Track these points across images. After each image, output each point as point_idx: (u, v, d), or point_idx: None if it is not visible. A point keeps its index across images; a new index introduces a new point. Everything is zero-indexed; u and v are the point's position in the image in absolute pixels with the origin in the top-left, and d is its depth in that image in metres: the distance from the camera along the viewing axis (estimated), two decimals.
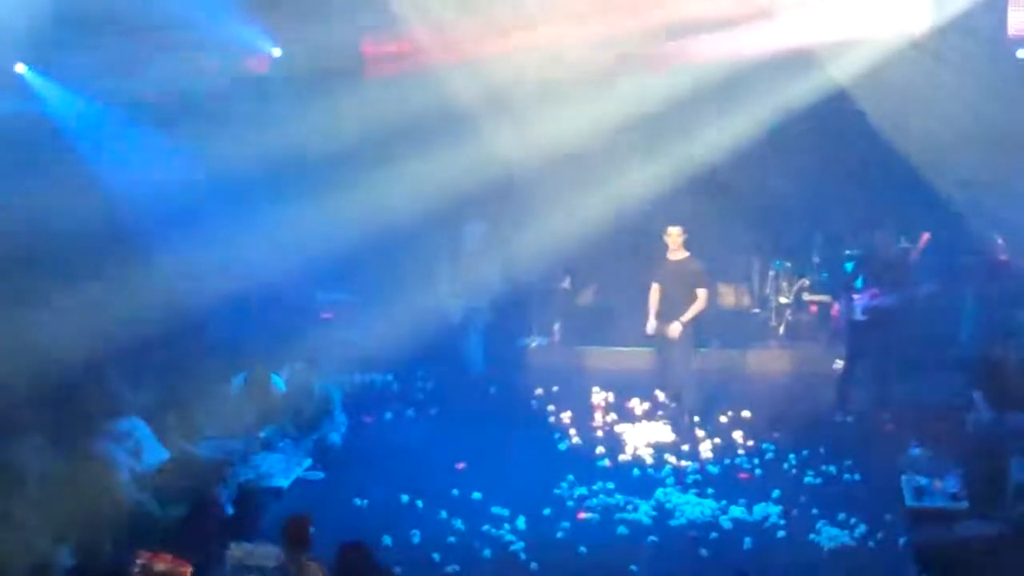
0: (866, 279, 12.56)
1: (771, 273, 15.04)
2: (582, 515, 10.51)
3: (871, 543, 10.01)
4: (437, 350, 13.96)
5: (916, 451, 10.94)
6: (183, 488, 9.89)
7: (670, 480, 11.19)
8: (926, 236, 13.73)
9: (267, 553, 8.78)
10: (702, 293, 12.26)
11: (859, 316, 12.51)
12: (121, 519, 9.36)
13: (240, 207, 13.39)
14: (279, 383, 12.11)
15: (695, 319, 12.29)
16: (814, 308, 14.80)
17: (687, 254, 12.30)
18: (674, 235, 12.24)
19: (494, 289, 13.95)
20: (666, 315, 12.30)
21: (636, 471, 11.42)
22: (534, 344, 14.89)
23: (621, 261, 14.31)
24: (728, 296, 14.87)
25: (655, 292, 12.41)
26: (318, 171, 13.66)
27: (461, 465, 11.49)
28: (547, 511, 10.52)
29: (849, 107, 13.73)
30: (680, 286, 12.24)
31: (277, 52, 14.00)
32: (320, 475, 11.31)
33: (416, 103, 13.53)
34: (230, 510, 10.04)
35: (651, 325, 12.38)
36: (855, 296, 12.54)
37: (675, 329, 12.22)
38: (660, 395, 12.96)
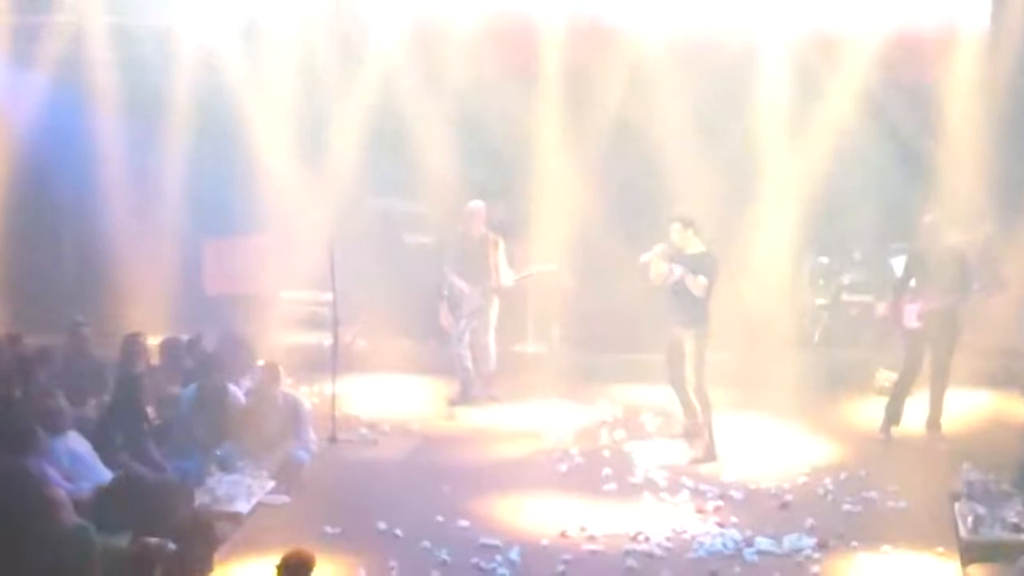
0: (919, 279, 12.60)
1: (805, 270, 15.11)
2: (585, 546, 10.51)
3: None
4: (423, 355, 14.04)
5: (972, 475, 10.97)
6: (128, 514, 9.89)
7: (687, 506, 11.21)
8: (986, 229, 13.80)
9: None
10: (702, 283, 12.02)
11: (913, 322, 12.55)
12: (56, 548, 9.36)
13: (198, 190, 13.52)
14: (238, 395, 12.12)
15: (707, 322, 12.20)
16: (855, 310, 14.88)
17: (702, 248, 12.22)
18: (676, 231, 12.17)
19: (493, 286, 14.04)
20: (679, 317, 12.24)
21: (648, 496, 11.45)
22: (530, 349, 14.93)
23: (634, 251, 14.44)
24: (755, 297, 14.91)
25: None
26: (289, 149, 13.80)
27: (447, 488, 11.50)
28: (545, 541, 10.50)
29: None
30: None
31: None
32: (285, 499, 11.33)
33: None
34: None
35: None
36: (908, 299, 12.58)
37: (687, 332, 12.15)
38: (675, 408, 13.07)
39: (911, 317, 12.54)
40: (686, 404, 12.55)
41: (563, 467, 12.13)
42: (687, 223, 12.17)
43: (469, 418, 13.58)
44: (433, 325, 14.16)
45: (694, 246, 12.18)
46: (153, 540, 9.35)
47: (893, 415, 12.77)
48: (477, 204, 13.94)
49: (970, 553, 10.11)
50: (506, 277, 13.98)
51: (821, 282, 15.00)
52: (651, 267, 12.18)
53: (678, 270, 12.08)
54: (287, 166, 15.22)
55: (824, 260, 15.08)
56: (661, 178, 14.77)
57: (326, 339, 13.66)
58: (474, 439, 12.93)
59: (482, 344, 13.95)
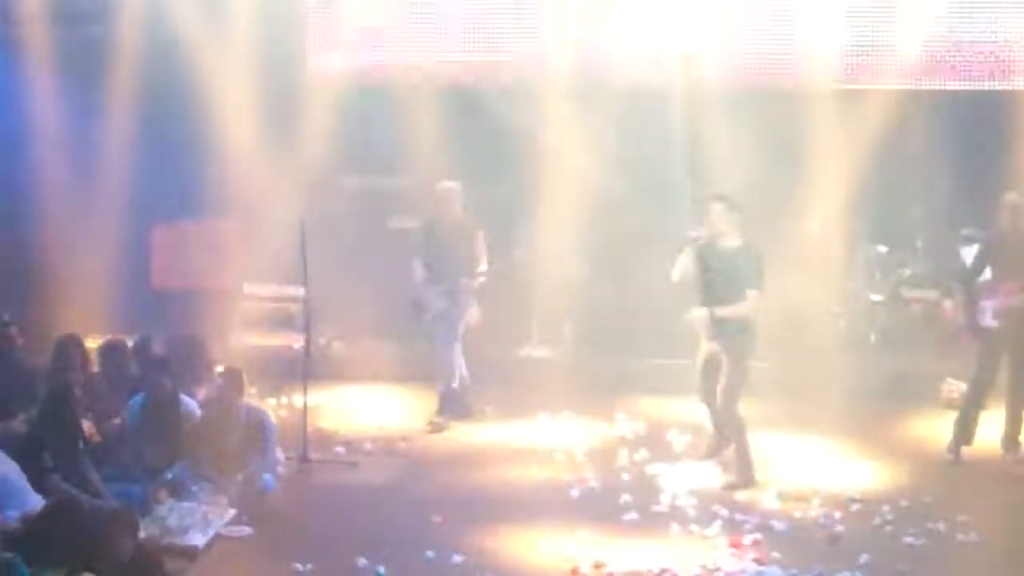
0: (997, 270, 12.58)
1: (860, 261, 15.12)
2: None
3: None
4: (409, 360, 14.06)
5: None
6: (62, 546, 9.89)
7: (721, 540, 11.20)
8: None
9: None
10: (752, 296, 12.01)
11: (989, 321, 12.54)
12: None
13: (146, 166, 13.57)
14: (192, 407, 12.12)
15: (747, 328, 12.09)
16: (917, 307, 14.89)
17: (741, 240, 12.10)
18: (718, 212, 12.04)
19: (479, 277, 14.03)
20: (713, 330, 12.11)
21: (675, 527, 11.43)
22: (536, 353, 14.94)
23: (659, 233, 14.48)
24: (801, 292, 14.91)
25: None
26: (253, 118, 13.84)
27: (439, 518, 11.51)
28: None
29: None
30: (732, 284, 12.03)
31: None
32: (247, 530, 11.32)
33: None
34: None
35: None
36: (983, 294, 12.57)
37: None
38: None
39: (986, 315, 12.52)
40: (719, 424, 12.56)
41: (575, 493, 12.12)
42: (733, 206, 12.07)
43: (464, 436, 13.57)
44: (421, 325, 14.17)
45: (732, 237, 12.08)
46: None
47: (963, 432, 12.77)
48: (450, 185, 13.96)
49: None
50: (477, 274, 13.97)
51: (878, 275, 15.00)
52: (678, 269, 12.18)
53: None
54: (250, 138, 15.21)
55: (882, 250, 15.05)
56: (691, 152, 14.78)
57: (297, 341, 13.66)
58: (470, 460, 12.94)
59: (443, 360, 13.90)
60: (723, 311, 11.93)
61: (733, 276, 11.96)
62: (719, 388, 12.16)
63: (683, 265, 12.13)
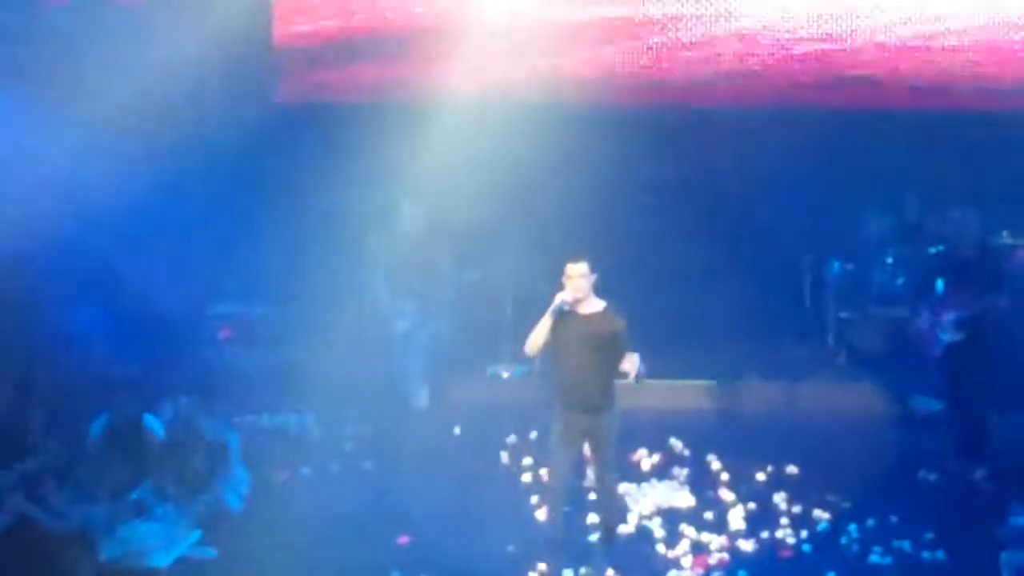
0: (947, 284, 12.71)
1: (828, 278, 15.18)
2: None
3: None
4: (374, 380, 14.06)
5: (1021, 520, 11.07)
6: (21, 569, 9.91)
7: (686, 560, 11.27)
8: None
9: None
10: (633, 360, 10.87)
11: (951, 335, 12.65)
12: None
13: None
14: (156, 427, 12.15)
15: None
16: (886, 325, 14.95)
17: (602, 305, 10.83)
18: (575, 276, 10.69)
19: (447, 292, 14.09)
20: (578, 398, 10.82)
21: (642, 548, 11.51)
22: (506, 373, 14.96)
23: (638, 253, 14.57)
24: (766, 310, 15.02)
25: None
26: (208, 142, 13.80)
27: (404, 539, 11.55)
28: None
29: None
30: (593, 354, 10.71)
31: None
32: (212, 552, 11.35)
33: None
34: None
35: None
36: (940, 309, 12.69)
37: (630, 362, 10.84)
38: (676, 444, 13.15)
39: (947, 330, 12.63)
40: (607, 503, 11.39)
41: (541, 515, 12.10)
42: (591, 267, 10.80)
43: (432, 454, 13.56)
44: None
45: (595, 299, 10.84)
46: None
47: (962, 448, 12.84)
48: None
49: None
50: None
51: (846, 293, 15.03)
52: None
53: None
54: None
55: (850, 266, 15.11)
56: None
57: (267, 357, 13.69)
58: (437, 476, 12.87)
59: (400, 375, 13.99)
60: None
61: (592, 346, 10.69)
62: (601, 467, 11.08)
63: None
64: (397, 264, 14.01)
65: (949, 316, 12.63)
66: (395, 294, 14.03)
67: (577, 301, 10.68)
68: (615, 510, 11.41)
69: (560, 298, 10.61)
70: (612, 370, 10.81)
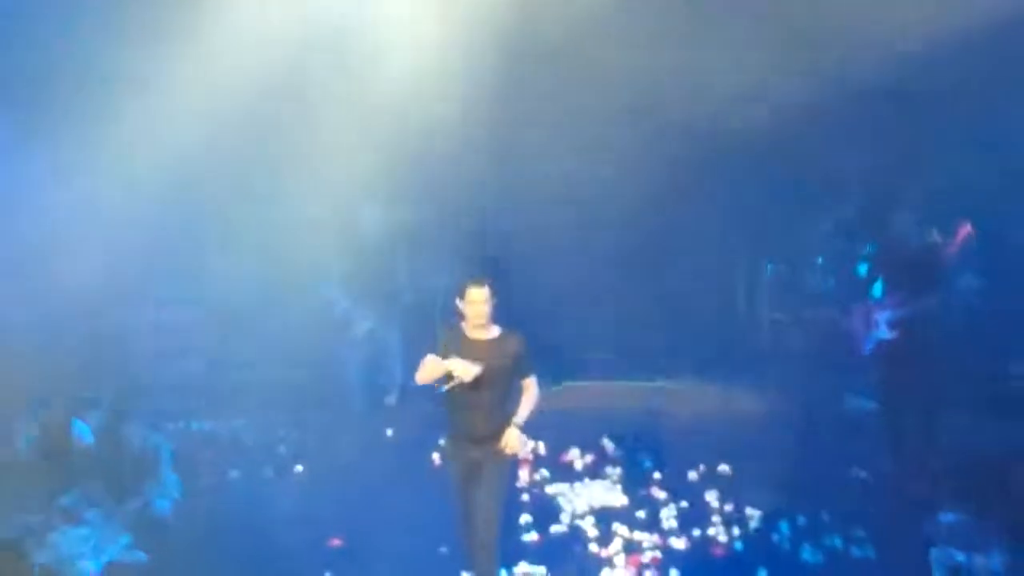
0: (887, 283, 12.84)
1: (762, 279, 15.29)
2: None
3: None
4: (307, 384, 14.09)
5: (950, 517, 11.18)
6: None
7: (619, 559, 11.33)
8: (967, 228, 14.02)
9: None
10: (532, 381, 10.34)
11: (886, 334, 12.78)
12: None
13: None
14: (85, 432, 12.10)
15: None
16: (819, 326, 15.05)
17: (499, 330, 10.29)
18: (479, 301, 10.16)
19: (398, 297, 14.24)
20: (472, 429, 10.23)
21: (575, 547, 11.56)
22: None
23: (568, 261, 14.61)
24: (697, 313, 15.08)
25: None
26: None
27: (336, 541, 11.56)
28: None
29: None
30: (490, 376, 10.11)
31: None
32: (143, 556, 11.31)
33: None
34: None
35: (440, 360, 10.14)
36: (876, 308, 12.82)
37: (512, 438, 10.12)
38: (608, 444, 13.21)
39: (882, 328, 12.75)
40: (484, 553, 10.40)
41: None
42: (493, 289, 10.29)
43: (364, 455, 13.60)
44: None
45: (492, 326, 10.34)
46: None
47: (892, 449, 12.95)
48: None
49: None
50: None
51: (778, 294, 15.13)
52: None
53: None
54: None
55: (782, 266, 15.21)
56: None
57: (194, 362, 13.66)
58: (368, 481, 12.92)
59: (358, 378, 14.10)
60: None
61: (492, 370, 10.11)
62: (494, 500, 10.30)
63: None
64: (355, 268, 14.10)
65: (885, 314, 12.75)
66: (353, 299, 14.15)
67: (477, 327, 10.16)
68: (488, 565, 10.34)
69: (457, 373, 10.01)
70: (507, 402, 10.24)
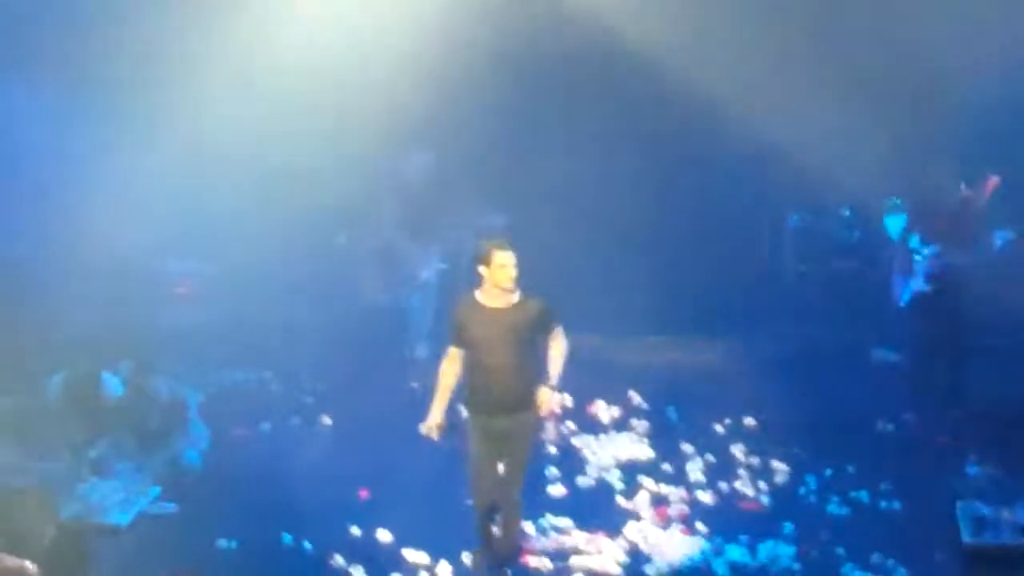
0: (924, 235, 12.82)
1: (786, 230, 15.27)
2: (527, 559, 10.63)
3: None
4: (337, 336, 14.16)
5: (976, 470, 11.22)
6: None
7: (646, 512, 11.38)
8: (993, 180, 13.99)
9: None
10: (559, 332, 10.01)
11: (923, 286, 12.77)
12: None
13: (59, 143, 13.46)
14: (114, 385, 12.17)
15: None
16: (845, 277, 15.04)
17: (519, 295, 9.88)
18: (508, 264, 9.73)
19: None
20: (494, 398, 9.94)
21: (601, 500, 11.62)
22: None
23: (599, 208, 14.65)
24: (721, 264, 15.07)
25: (452, 363, 10.09)
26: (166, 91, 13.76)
27: (364, 493, 11.63)
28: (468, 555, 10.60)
29: None
30: (514, 346, 9.85)
31: None
32: (172, 507, 11.38)
33: None
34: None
35: (435, 418, 10.12)
36: (913, 259, 12.80)
37: (546, 400, 9.88)
38: (635, 397, 13.28)
39: (919, 280, 12.75)
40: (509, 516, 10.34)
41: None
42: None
43: (390, 411, 13.59)
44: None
45: (516, 292, 9.95)
46: (11, 560, 9.36)
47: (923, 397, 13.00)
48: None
49: (974, 560, 10.37)
50: None
51: (804, 245, 15.12)
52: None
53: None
54: None
55: (807, 218, 15.19)
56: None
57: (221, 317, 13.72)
58: (394, 434, 12.90)
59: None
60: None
61: (515, 336, 9.84)
62: (517, 470, 10.14)
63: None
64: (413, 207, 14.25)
65: (923, 267, 12.74)
66: (414, 238, 14.31)
67: (498, 294, 9.80)
68: (510, 538, 10.32)
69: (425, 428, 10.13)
70: (533, 366, 9.97)
